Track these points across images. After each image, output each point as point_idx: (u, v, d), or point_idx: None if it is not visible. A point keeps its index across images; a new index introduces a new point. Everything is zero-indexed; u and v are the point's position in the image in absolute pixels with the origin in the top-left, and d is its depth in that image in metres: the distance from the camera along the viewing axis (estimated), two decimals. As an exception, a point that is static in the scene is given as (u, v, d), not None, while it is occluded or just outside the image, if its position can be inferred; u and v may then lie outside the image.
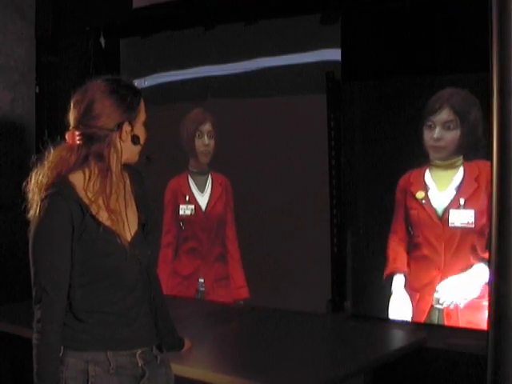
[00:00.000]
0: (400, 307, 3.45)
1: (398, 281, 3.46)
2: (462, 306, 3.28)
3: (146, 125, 2.05)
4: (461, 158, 3.31)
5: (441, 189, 3.36)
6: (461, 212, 3.29)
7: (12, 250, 4.27)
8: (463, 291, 3.28)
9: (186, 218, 4.27)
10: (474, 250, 3.25)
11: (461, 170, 3.31)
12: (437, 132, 3.34)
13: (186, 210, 4.27)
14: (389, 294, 3.50)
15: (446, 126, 3.33)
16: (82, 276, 1.92)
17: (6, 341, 3.55)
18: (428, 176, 3.40)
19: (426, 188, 3.40)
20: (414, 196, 3.42)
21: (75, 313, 1.92)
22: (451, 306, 3.31)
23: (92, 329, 1.93)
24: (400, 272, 3.46)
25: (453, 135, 3.32)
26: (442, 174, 3.36)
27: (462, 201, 3.29)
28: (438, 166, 3.37)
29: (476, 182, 3.24)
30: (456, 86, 3.31)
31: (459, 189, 3.31)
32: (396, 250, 3.48)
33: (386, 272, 3.49)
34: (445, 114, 3.33)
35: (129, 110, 1.96)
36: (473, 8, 2.91)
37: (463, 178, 3.30)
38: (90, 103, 1.93)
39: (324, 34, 3.70)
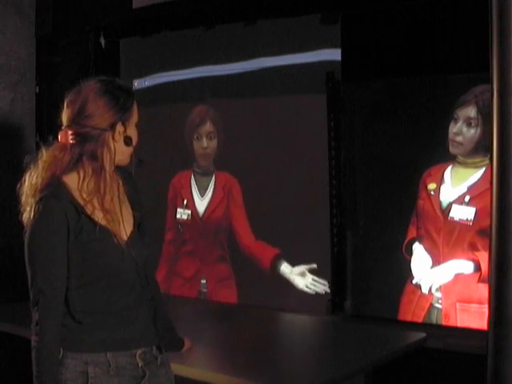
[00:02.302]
0: (422, 267, 3.43)
1: (417, 246, 3.45)
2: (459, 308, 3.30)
3: (138, 126, 2.05)
4: (487, 159, 3.27)
5: (454, 184, 3.36)
6: (463, 208, 3.28)
7: (12, 250, 4.26)
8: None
9: (182, 222, 4.27)
10: (471, 247, 3.25)
11: (482, 170, 3.29)
12: (457, 126, 3.32)
13: (182, 214, 4.25)
14: (389, 293, 3.50)
15: (467, 122, 3.30)
16: (79, 277, 1.91)
17: (5, 341, 3.56)
18: (448, 171, 3.39)
19: (441, 182, 3.39)
20: (426, 187, 3.42)
21: (73, 314, 1.92)
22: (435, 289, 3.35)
23: (90, 330, 1.93)
24: (418, 240, 3.45)
25: (472, 133, 3.29)
26: (462, 171, 3.34)
27: (467, 198, 3.28)
28: (460, 163, 3.36)
29: (490, 184, 3.22)
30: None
31: (471, 187, 3.30)
32: (412, 230, 3.49)
33: (405, 241, 3.49)
34: (468, 110, 3.30)
35: (122, 110, 1.97)
36: (473, 8, 2.91)
37: (480, 179, 3.29)
38: (84, 102, 1.94)
39: (324, 34, 3.69)
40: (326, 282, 3.69)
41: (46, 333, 1.87)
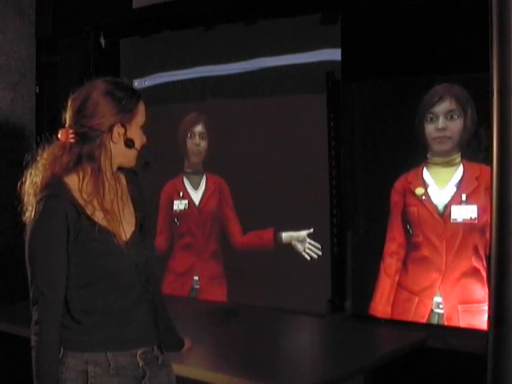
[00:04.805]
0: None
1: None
2: (461, 310, 3.27)
3: (145, 128, 2.04)
4: (459, 155, 3.30)
5: (440, 185, 3.35)
6: (463, 208, 3.27)
7: (12, 251, 4.26)
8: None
9: (179, 214, 4.29)
10: (476, 250, 3.23)
11: (460, 167, 3.30)
12: (441, 122, 3.32)
13: (179, 204, 4.30)
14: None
15: (448, 115, 3.30)
16: (79, 277, 1.92)
17: (5, 341, 3.56)
18: (426, 174, 3.39)
19: (425, 185, 3.39)
20: (413, 193, 3.41)
21: (73, 314, 1.92)
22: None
23: (90, 330, 1.93)
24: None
25: (457, 124, 3.29)
26: (441, 171, 3.35)
27: (463, 196, 3.27)
28: (436, 164, 3.37)
29: (476, 181, 3.23)
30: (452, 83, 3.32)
31: (459, 185, 3.29)
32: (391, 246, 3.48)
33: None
34: (446, 104, 3.31)
35: (122, 112, 1.95)
36: (473, 8, 2.91)
37: (463, 176, 3.29)
38: (85, 102, 1.94)
39: (324, 34, 3.69)
40: (319, 246, 3.76)
41: (46, 332, 1.87)
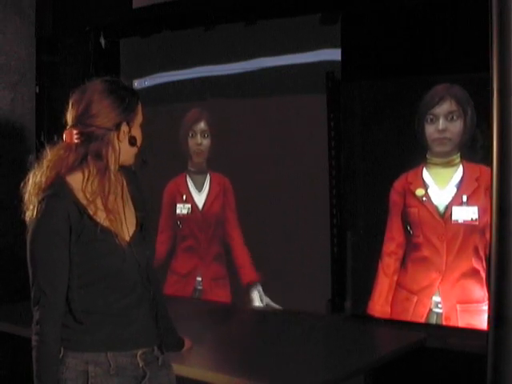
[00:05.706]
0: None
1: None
2: (460, 309, 3.27)
3: (143, 127, 2.06)
4: (458, 155, 3.31)
5: (441, 186, 3.35)
6: (464, 209, 3.27)
7: (12, 250, 4.26)
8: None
9: (182, 217, 4.28)
10: (476, 251, 3.23)
11: (460, 168, 3.30)
12: (441, 123, 3.32)
13: (182, 209, 4.28)
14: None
15: (449, 116, 3.30)
16: (81, 277, 1.91)
17: (6, 341, 3.56)
18: (426, 174, 3.39)
19: (425, 186, 3.39)
20: (413, 194, 3.41)
21: (74, 314, 1.92)
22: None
23: (91, 330, 1.93)
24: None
25: (457, 126, 3.30)
26: (441, 172, 3.35)
27: (464, 197, 3.27)
28: (436, 164, 3.37)
29: (476, 182, 3.23)
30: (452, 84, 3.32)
31: (460, 186, 3.29)
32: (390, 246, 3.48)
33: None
34: (447, 105, 3.31)
35: (127, 110, 1.97)
36: (473, 8, 2.91)
37: (463, 177, 3.29)
38: (89, 102, 1.94)
39: (324, 34, 3.70)
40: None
41: (47, 332, 1.87)
